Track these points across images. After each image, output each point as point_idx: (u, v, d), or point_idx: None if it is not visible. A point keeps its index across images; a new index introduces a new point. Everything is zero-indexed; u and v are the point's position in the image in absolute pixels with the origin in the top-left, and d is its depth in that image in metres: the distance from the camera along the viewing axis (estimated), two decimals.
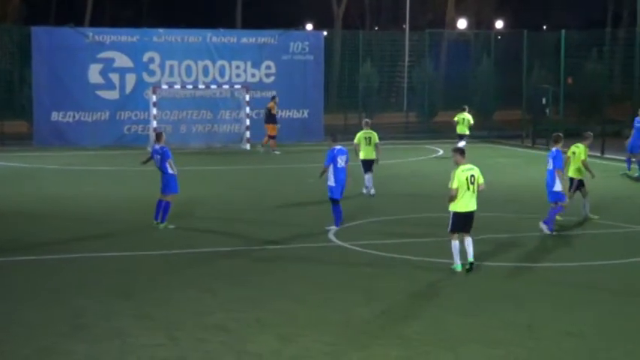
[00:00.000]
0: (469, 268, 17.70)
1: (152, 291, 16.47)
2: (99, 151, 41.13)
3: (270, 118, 41.48)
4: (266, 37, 45.69)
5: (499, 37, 56.95)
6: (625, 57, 44.95)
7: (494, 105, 50.26)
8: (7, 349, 13.01)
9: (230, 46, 45.06)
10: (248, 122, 43.18)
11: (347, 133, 47.17)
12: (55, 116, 42.71)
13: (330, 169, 22.55)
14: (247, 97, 43.36)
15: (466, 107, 40.21)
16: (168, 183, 22.62)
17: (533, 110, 45.58)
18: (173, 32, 44.88)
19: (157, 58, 43.95)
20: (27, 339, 13.51)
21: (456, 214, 17.64)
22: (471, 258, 17.76)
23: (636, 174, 32.11)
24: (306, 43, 46.15)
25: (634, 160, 32.79)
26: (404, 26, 60.58)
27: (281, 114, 44.95)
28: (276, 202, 26.90)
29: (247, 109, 43.33)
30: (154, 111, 41.84)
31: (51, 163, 36.80)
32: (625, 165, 33.66)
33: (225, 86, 44.31)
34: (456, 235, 17.75)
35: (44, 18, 69.95)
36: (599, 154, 39.29)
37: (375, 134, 28.56)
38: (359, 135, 28.62)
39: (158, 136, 23.19)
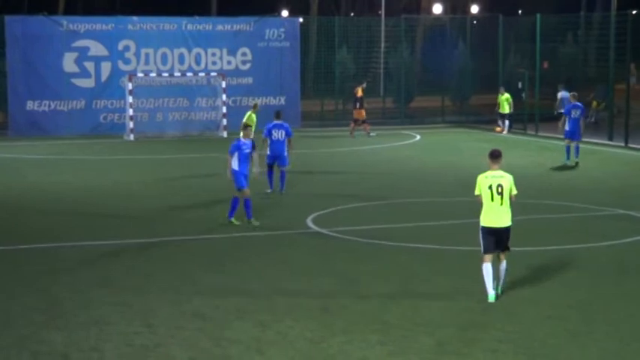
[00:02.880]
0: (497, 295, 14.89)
1: (130, 279, 16.42)
2: (75, 140, 40.95)
3: (357, 102, 41.92)
4: (241, 24, 45.55)
5: (475, 22, 56.96)
6: (599, 40, 45.00)
7: (471, 90, 50.34)
8: None
9: (205, 33, 44.88)
10: (224, 110, 43.07)
11: (324, 119, 47.55)
12: (31, 105, 42.44)
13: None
14: (224, 85, 43.22)
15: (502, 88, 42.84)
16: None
17: (510, 94, 45.66)
18: (148, 20, 44.65)
19: (133, 46, 43.73)
20: (4, 328, 13.44)
21: (483, 230, 14.96)
22: (498, 289, 14.93)
23: (573, 160, 31.52)
24: (282, 29, 46.05)
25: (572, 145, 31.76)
26: (379, 12, 60.50)
27: (257, 101, 44.89)
28: (253, 189, 26.81)
29: (224, 97, 43.21)
30: (130, 99, 41.67)
31: (27, 152, 36.58)
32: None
33: (202, 74, 44.15)
34: (489, 257, 14.80)
35: (17, 7, 69.43)
36: None
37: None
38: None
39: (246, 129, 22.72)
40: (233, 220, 21.15)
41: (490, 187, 14.80)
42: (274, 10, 68.24)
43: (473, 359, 12.11)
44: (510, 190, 14.84)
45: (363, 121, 41.69)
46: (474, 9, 77.24)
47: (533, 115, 43.47)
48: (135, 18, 44.76)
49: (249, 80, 45.12)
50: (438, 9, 70.59)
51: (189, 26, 44.71)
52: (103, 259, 18.07)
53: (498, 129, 43.12)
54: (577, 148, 31.87)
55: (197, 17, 46.15)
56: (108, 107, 43.40)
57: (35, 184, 28.26)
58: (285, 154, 25.90)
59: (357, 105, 41.79)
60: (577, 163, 31.44)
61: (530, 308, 14.39)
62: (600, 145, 37.61)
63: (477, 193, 15.02)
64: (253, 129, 27.90)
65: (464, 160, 33.49)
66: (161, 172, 31.20)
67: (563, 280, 16.20)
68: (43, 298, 15.10)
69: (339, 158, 34.12)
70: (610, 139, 38.41)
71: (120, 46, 43.52)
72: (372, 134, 41.29)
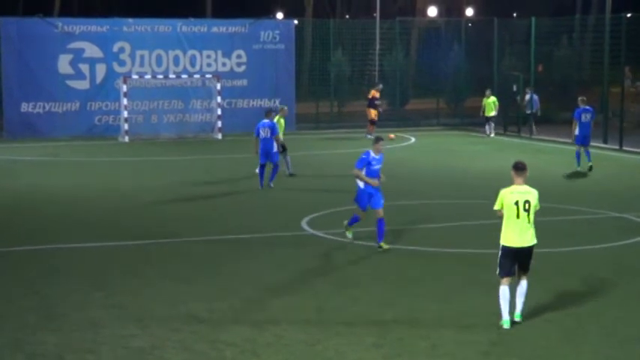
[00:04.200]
0: (515, 322, 13.66)
1: (125, 281, 16.42)
2: (70, 141, 40.92)
3: (370, 103, 42.37)
4: (237, 27, 45.54)
5: (470, 25, 57.05)
6: (594, 43, 45.08)
7: (466, 92, 50.36)
8: None
9: (201, 35, 44.88)
10: (219, 111, 43.09)
11: (319, 122, 47.55)
12: (25, 107, 42.38)
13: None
14: (218, 87, 43.25)
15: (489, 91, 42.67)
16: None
17: (504, 97, 45.73)
18: (143, 22, 44.61)
19: (128, 48, 43.71)
20: None
21: (504, 250, 13.66)
22: (518, 314, 13.68)
23: (587, 164, 30.73)
24: (277, 32, 46.05)
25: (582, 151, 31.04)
26: (375, 14, 60.49)
27: (252, 103, 45.00)
28: (248, 191, 26.87)
29: (219, 99, 43.24)
30: (125, 101, 41.67)
31: (22, 154, 36.55)
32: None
33: (196, 76, 44.16)
34: (507, 279, 13.64)
35: (13, 8, 69.37)
36: (569, 140, 39.46)
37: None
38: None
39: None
40: (349, 231, 19.50)
41: (516, 204, 13.49)
42: (269, 13, 68.37)
43: None
44: (535, 207, 13.65)
45: (372, 122, 41.88)
46: (469, 12, 77.37)
47: (527, 118, 43.50)
48: (130, 20, 44.71)
49: (244, 82, 45.12)
50: (433, 11, 70.66)
51: (184, 28, 44.69)
52: (98, 261, 18.07)
53: (485, 135, 42.84)
54: (588, 153, 30.85)
55: (192, 19, 46.14)
56: (103, 109, 43.36)
57: (29, 186, 28.23)
58: (274, 150, 27.22)
59: (373, 105, 42.14)
60: (591, 167, 30.55)
61: (523, 310, 14.39)
62: (595, 147, 37.58)
63: (497, 207, 13.75)
64: (282, 133, 28.36)
65: (459, 163, 33.52)
66: (156, 174, 31.19)
67: (557, 282, 16.21)
68: (38, 300, 15.09)
69: (334, 160, 34.11)
70: (605, 141, 38.46)
71: (115, 48, 43.48)
72: (369, 136, 41.27)
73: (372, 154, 18.79)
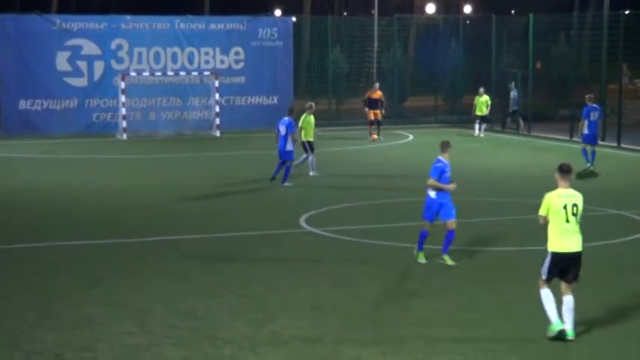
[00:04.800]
0: (561, 337, 12.80)
1: (122, 278, 16.41)
2: (68, 139, 40.88)
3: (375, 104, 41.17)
4: (234, 24, 45.51)
5: (468, 22, 57.00)
6: (592, 40, 45.06)
7: (464, 89, 50.31)
8: None
9: (198, 32, 44.83)
10: (218, 109, 43.06)
11: (317, 119, 47.20)
12: (23, 104, 42.34)
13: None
14: (217, 84, 43.22)
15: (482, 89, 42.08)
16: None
17: (502, 94, 45.73)
18: (141, 19, 44.57)
19: (125, 45, 43.66)
20: None
21: (554, 256, 13.00)
22: (570, 332, 12.75)
23: (589, 166, 29.92)
24: (275, 29, 46.01)
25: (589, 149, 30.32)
26: (372, 11, 60.46)
27: (250, 100, 44.98)
28: (247, 188, 26.86)
29: (217, 96, 43.20)
30: (123, 98, 41.64)
31: (19, 151, 36.52)
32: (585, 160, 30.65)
33: (194, 73, 44.12)
34: (548, 283, 13.14)
35: (10, 5, 69.25)
36: (567, 137, 39.51)
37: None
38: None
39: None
40: (420, 254, 17.51)
41: (565, 207, 12.91)
42: (267, 10, 68.23)
43: (465, 358, 12.12)
44: (581, 211, 13.07)
45: (371, 123, 41.13)
46: (467, 9, 77.25)
47: (525, 115, 43.53)
48: (128, 17, 44.68)
49: (242, 79, 45.09)
50: (431, 8, 70.57)
51: (182, 25, 44.65)
52: (96, 259, 18.05)
53: (476, 134, 41.87)
54: (593, 154, 30.10)
55: (190, 16, 46.09)
56: (101, 106, 43.32)
57: (27, 183, 28.20)
58: (287, 149, 26.94)
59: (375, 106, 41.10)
60: (592, 171, 29.61)
61: (523, 308, 14.40)
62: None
63: (543, 213, 13.05)
64: (313, 132, 28.11)
65: (457, 160, 33.36)
66: (154, 171, 31.18)
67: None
68: (36, 298, 15.07)
69: (332, 158, 34.09)
70: (603, 139, 38.42)
71: (113, 45, 43.43)
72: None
73: (444, 161, 17.55)
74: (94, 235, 20.27)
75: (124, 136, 41.22)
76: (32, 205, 24.37)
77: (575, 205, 12.98)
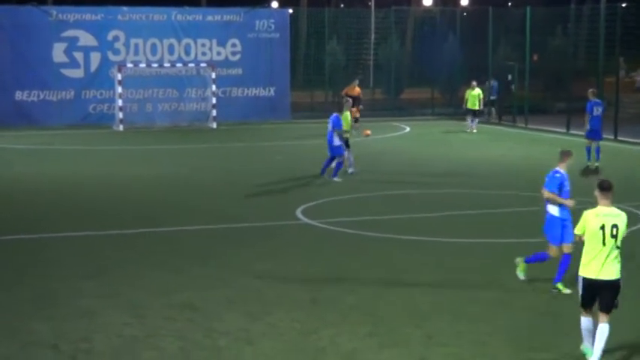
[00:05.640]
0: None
1: (119, 270, 16.38)
2: (64, 130, 40.84)
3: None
4: (231, 15, 45.47)
5: (465, 14, 56.99)
6: (589, 33, 45.08)
7: (460, 82, 50.29)
8: None
9: (195, 24, 44.79)
10: (214, 100, 43.03)
11: (314, 111, 47.47)
12: (20, 95, 42.31)
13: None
14: (213, 75, 43.18)
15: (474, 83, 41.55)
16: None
17: (499, 87, 45.76)
18: (138, 10, 44.49)
19: (122, 36, 43.62)
20: None
21: (584, 283, 11.59)
22: (597, 357, 11.42)
23: (594, 162, 29.10)
24: (272, 20, 45.97)
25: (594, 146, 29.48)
26: (369, 3, 60.44)
27: (247, 92, 44.96)
28: (243, 180, 26.84)
29: (213, 87, 43.17)
30: (120, 90, 41.61)
31: (16, 142, 36.48)
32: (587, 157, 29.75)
33: (191, 64, 44.11)
34: (588, 310, 11.69)
35: None
36: (564, 130, 39.54)
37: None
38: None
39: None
40: (560, 285, 14.97)
41: (602, 228, 11.42)
42: (264, 1, 68.15)
43: (461, 350, 12.11)
44: (623, 232, 11.56)
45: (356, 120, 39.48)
46: (464, 1, 77.20)
47: (522, 108, 43.52)
48: (124, 8, 44.60)
49: (239, 71, 45.07)
50: (428, 1, 70.53)
51: (179, 17, 44.61)
52: (92, 250, 18.02)
53: (468, 130, 40.74)
54: (598, 150, 29.20)
55: (187, 8, 46.05)
56: (97, 98, 43.30)
57: (23, 175, 28.18)
58: (335, 144, 26.55)
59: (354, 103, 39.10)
60: (597, 167, 28.43)
61: (518, 300, 14.40)
62: None
63: (578, 232, 11.81)
64: (349, 127, 27.58)
65: (453, 152, 33.52)
66: (150, 162, 31.15)
67: (552, 272, 16.18)
68: (32, 289, 15.05)
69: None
70: None
71: (109, 37, 43.40)
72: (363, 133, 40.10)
73: (563, 172, 15.26)
74: (90, 226, 20.24)
75: (121, 128, 41.18)
76: (28, 197, 24.34)
77: (615, 225, 11.45)
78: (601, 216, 11.51)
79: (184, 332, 12.80)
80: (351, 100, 29.16)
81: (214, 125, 42.48)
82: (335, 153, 26.61)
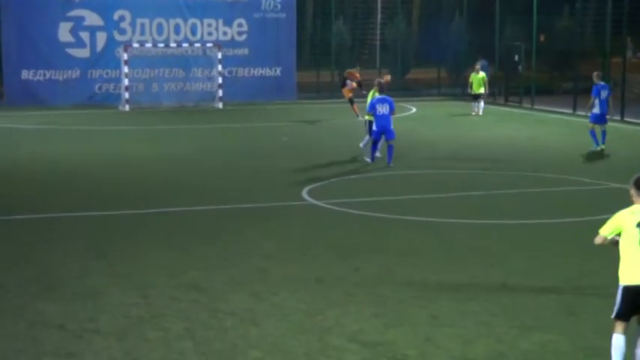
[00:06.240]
0: None
1: (125, 250, 16.42)
2: (70, 110, 40.85)
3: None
4: None
5: None
6: (596, 13, 44.92)
7: (467, 62, 50.16)
8: None
9: (202, 3, 44.71)
10: (220, 80, 42.99)
11: (320, 91, 47.43)
12: (26, 75, 42.33)
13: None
14: (219, 55, 43.12)
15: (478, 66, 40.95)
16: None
17: (506, 67, 45.64)
18: None
19: (128, 16, 43.57)
20: None
21: (625, 290, 10.26)
22: None
23: (601, 146, 28.60)
24: (278, 0, 45.87)
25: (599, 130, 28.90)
26: None
27: (253, 72, 44.92)
28: (249, 161, 26.84)
29: (219, 67, 43.12)
30: (126, 69, 41.57)
31: (22, 122, 36.51)
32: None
33: (197, 44, 44.06)
34: (621, 325, 10.27)
35: None
36: (570, 111, 39.44)
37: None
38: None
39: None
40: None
41: (639, 226, 10.35)
42: None
43: (466, 331, 12.13)
44: None
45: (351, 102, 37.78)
46: None
47: (529, 88, 43.41)
48: None
49: (245, 51, 45.01)
50: None
51: None
52: (99, 230, 18.06)
53: (474, 113, 40.08)
54: (604, 134, 28.57)
55: None
56: (103, 77, 43.31)
57: (30, 154, 28.20)
58: (391, 127, 25.61)
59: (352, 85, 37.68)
60: (603, 150, 28.24)
61: (523, 281, 14.40)
62: None
63: (604, 232, 10.86)
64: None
65: (460, 133, 33.48)
66: (156, 142, 31.16)
67: (557, 253, 16.21)
68: (39, 269, 15.09)
69: (335, 130, 34.06)
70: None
71: (115, 16, 43.36)
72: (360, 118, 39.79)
73: None
74: (97, 206, 20.27)
75: (127, 108, 41.19)
76: (35, 176, 24.37)
77: None
78: (637, 213, 10.46)
79: (190, 313, 12.82)
80: (382, 81, 27.91)
81: (220, 105, 42.46)
82: (391, 137, 25.62)
